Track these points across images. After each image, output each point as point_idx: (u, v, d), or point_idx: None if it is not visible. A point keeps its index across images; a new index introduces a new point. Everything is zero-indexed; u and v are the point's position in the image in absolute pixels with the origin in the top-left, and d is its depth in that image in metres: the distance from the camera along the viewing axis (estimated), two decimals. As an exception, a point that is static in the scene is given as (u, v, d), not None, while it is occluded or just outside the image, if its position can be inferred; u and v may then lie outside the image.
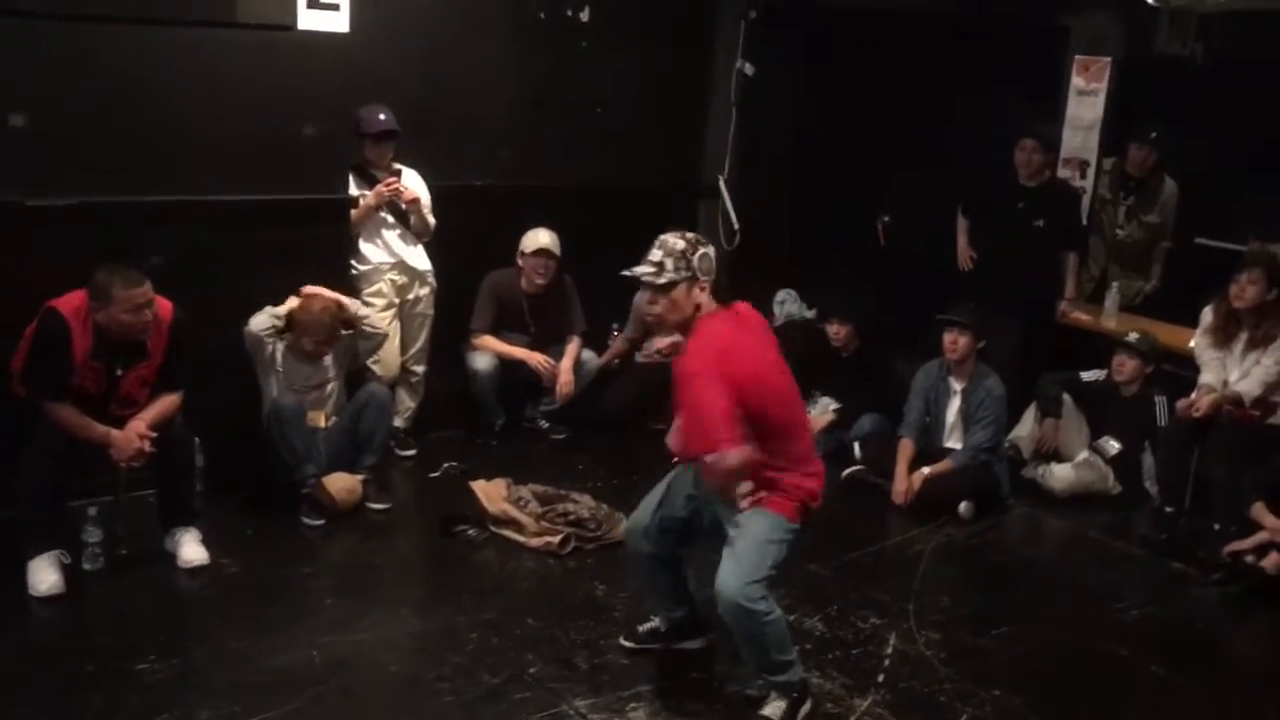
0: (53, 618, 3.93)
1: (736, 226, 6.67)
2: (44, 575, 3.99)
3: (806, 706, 3.49)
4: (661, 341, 6.14)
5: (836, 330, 5.96)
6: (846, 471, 5.62)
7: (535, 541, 4.61)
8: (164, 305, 4.20)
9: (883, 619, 4.20)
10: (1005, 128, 6.13)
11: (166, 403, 4.25)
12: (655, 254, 3.34)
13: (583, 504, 4.81)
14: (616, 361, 6.34)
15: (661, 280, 3.30)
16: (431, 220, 5.42)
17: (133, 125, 4.57)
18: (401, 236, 5.40)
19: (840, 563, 4.67)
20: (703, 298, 3.36)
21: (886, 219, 7.26)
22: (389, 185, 5.22)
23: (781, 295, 7.08)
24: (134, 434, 4.10)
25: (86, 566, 4.16)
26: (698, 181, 6.81)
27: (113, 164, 4.56)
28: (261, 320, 4.76)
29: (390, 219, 5.35)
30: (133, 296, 4.01)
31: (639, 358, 6.28)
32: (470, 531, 4.70)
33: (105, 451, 4.10)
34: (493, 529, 4.72)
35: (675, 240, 3.34)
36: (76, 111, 4.45)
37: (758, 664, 3.46)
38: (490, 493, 4.82)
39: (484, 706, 3.47)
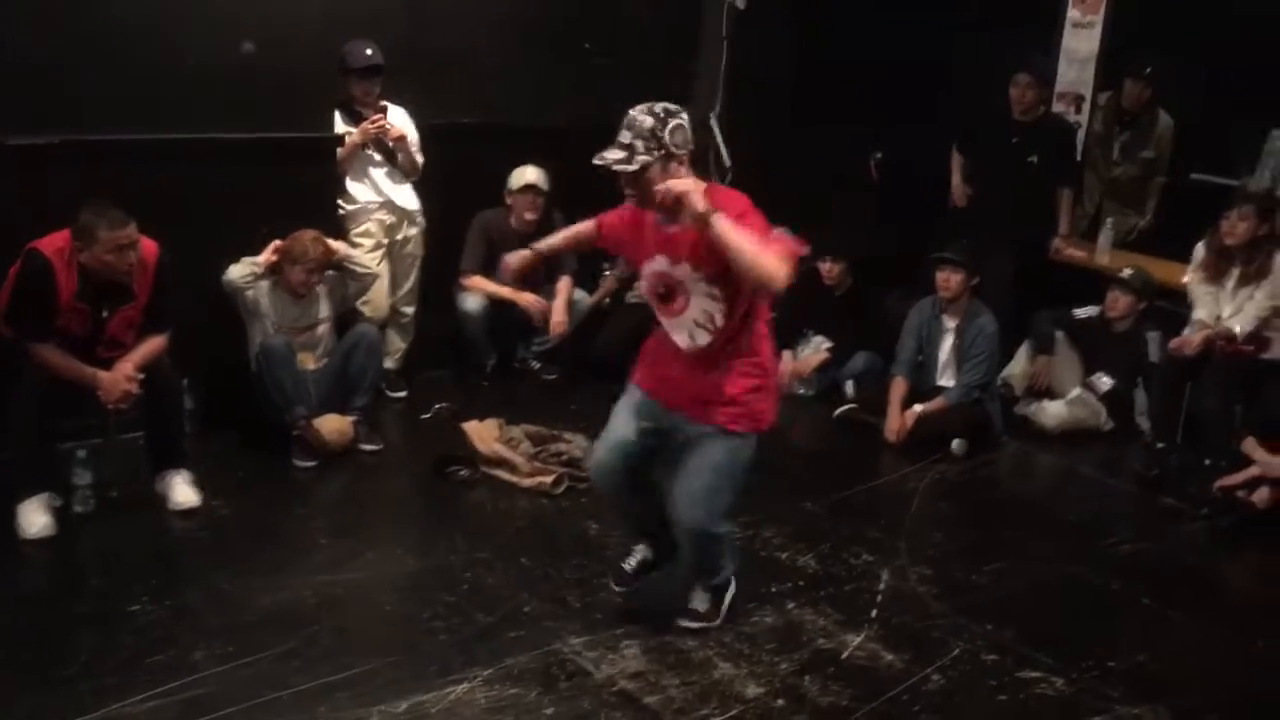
0: (44, 560, 3.92)
1: (729, 164, 6.60)
2: (34, 518, 3.98)
3: (731, 592, 3.64)
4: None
5: (829, 269, 5.93)
6: (839, 410, 5.62)
7: (528, 481, 4.61)
8: (149, 246, 4.14)
9: (875, 556, 4.21)
10: (1001, 62, 6.05)
11: (153, 344, 4.21)
12: (624, 135, 3.05)
13: (575, 443, 4.80)
14: (607, 301, 6.31)
15: (633, 166, 3.03)
16: (420, 158, 5.35)
17: (115, 62, 4.49)
18: (389, 175, 5.34)
19: (833, 500, 4.68)
20: (684, 171, 3.10)
21: (879, 156, 7.20)
22: (374, 122, 5.14)
23: (774, 233, 7.02)
24: (121, 375, 4.07)
25: (77, 509, 4.15)
26: (690, 117, 6.72)
27: (95, 101, 4.48)
28: (239, 269, 4.71)
29: (377, 157, 5.29)
30: (116, 237, 3.95)
31: (630, 298, 6.24)
32: (462, 472, 4.69)
33: (93, 394, 4.07)
34: (485, 469, 4.72)
35: (643, 117, 3.04)
36: (57, 48, 4.36)
37: (703, 569, 3.57)
38: (482, 433, 4.81)
39: (478, 645, 3.48)
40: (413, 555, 4.13)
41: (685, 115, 3.11)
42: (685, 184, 2.97)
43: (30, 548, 3.94)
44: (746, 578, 3.96)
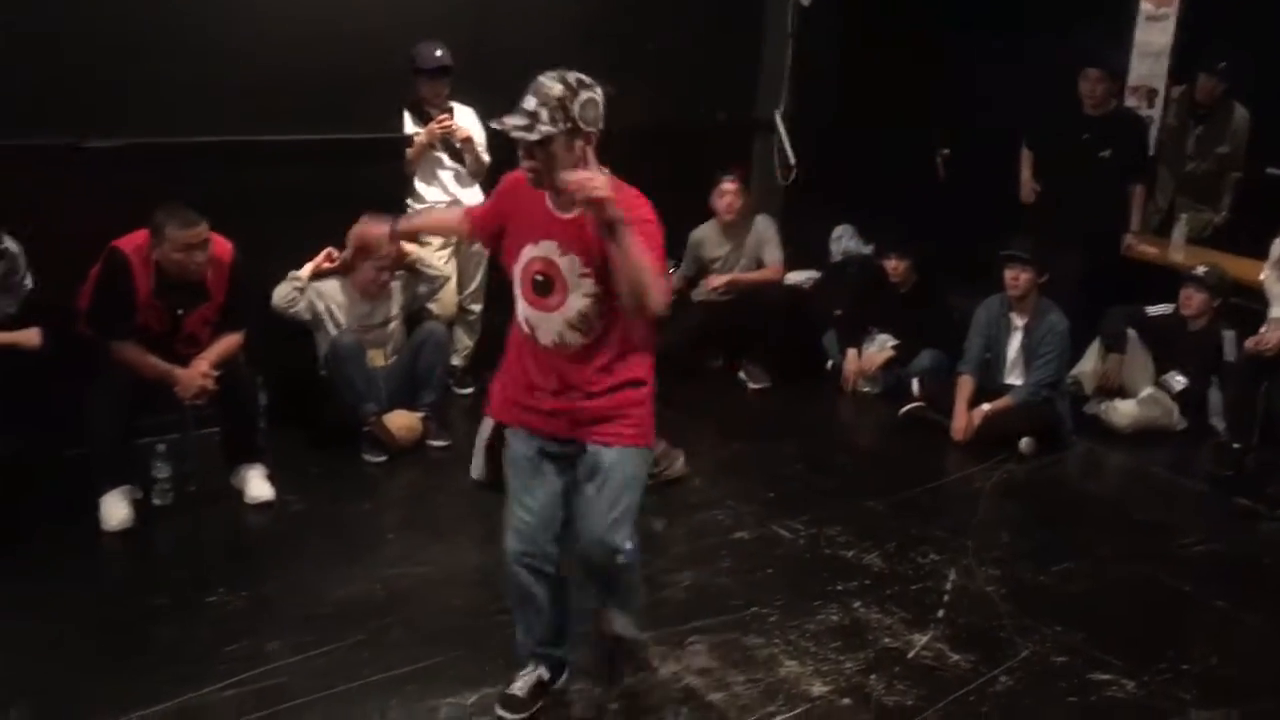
0: (124, 552, 4.04)
1: (793, 161, 6.59)
2: (115, 510, 4.09)
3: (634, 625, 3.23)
4: (717, 280, 6.12)
5: (895, 265, 5.89)
6: (904, 409, 5.58)
7: (593, 478, 4.63)
8: (224, 246, 4.24)
9: (941, 555, 4.18)
10: (1072, 56, 5.96)
11: (228, 342, 4.30)
12: (529, 102, 2.73)
13: (640, 441, 4.81)
14: (672, 299, 6.31)
15: (534, 136, 2.70)
16: (486, 158, 5.39)
17: (185, 66, 4.59)
18: (456, 176, 5.39)
19: (898, 499, 4.65)
20: (589, 153, 2.81)
21: (946, 152, 7.13)
22: (441, 123, 5.20)
23: (839, 231, 7.00)
24: (197, 372, 4.17)
25: (156, 502, 4.26)
26: (753, 116, 6.72)
27: (170, 105, 4.59)
28: (281, 291, 4.80)
29: (445, 158, 5.34)
30: (185, 237, 4.04)
31: (695, 296, 6.25)
32: (529, 468, 4.72)
33: (171, 389, 4.17)
34: (551, 466, 4.75)
35: (552, 84, 2.73)
36: (129, 53, 4.48)
37: (616, 601, 3.14)
38: (548, 430, 4.84)
39: (546, 639, 3.51)
40: (479, 550, 4.17)
41: (600, 90, 2.78)
42: (598, 182, 2.61)
43: (112, 539, 4.05)
44: (811, 575, 3.98)
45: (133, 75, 4.49)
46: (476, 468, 4.58)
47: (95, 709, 3.05)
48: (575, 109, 2.73)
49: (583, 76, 2.78)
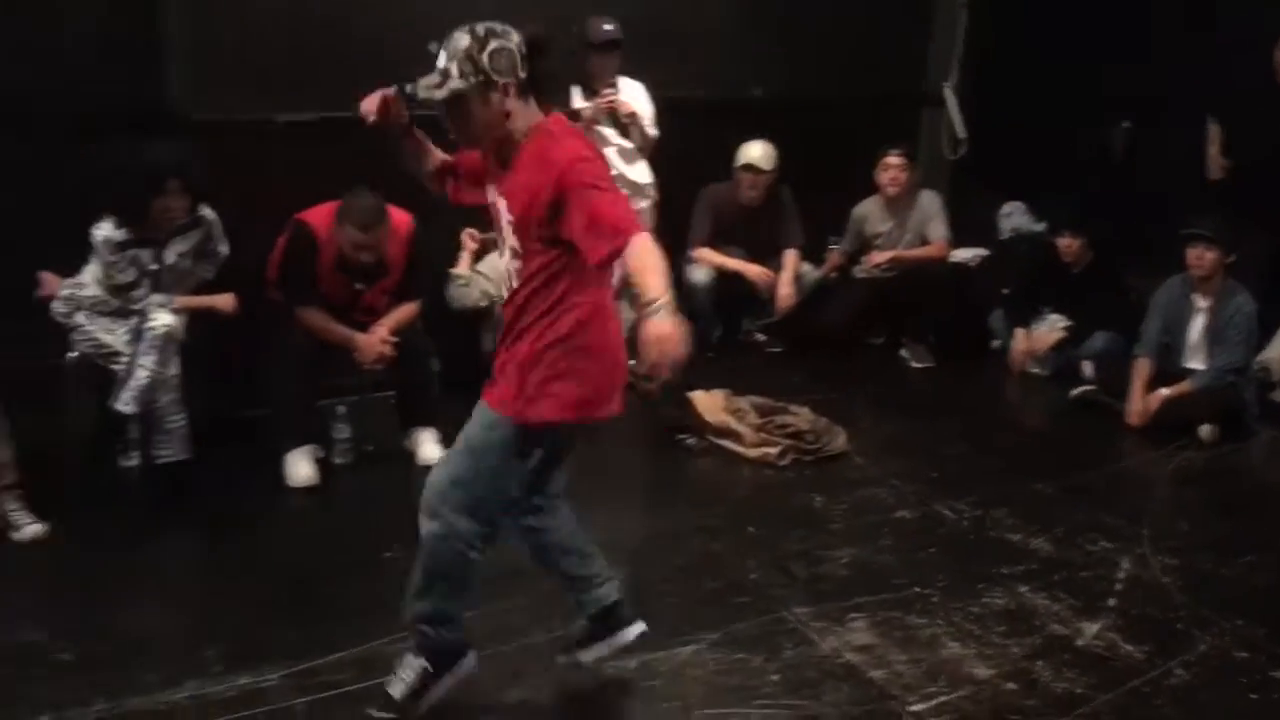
0: (307, 507, 4.25)
1: (963, 135, 6.43)
2: (299, 468, 4.30)
3: (441, 685, 2.90)
4: (880, 256, 6.04)
5: (1068, 244, 5.70)
6: (1075, 391, 5.43)
7: (753, 452, 4.65)
8: (403, 219, 4.39)
9: (1114, 542, 4.05)
10: (1265, 26, 5.64)
11: (406, 310, 4.47)
12: (440, 59, 2.63)
13: (801, 416, 4.81)
14: (834, 275, 6.27)
15: (442, 93, 2.60)
16: (653, 133, 5.40)
17: (372, 46, 4.75)
18: (622, 153, 5.42)
19: (1068, 483, 4.52)
20: (513, 104, 2.63)
21: (1126, 125, 6.84)
22: (605, 99, 5.23)
23: (1008, 208, 6.82)
24: (376, 338, 4.35)
25: (337, 461, 4.47)
26: (921, 88, 6.58)
27: (354, 82, 4.75)
28: (457, 295, 4.93)
29: (611, 134, 5.38)
30: (355, 238, 4.19)
31: (857, 272, 6.19)
32: (690, 440, 4.78)
33: (350, 354, 4.36)
34: (711, 439, 4.79)
35: (460, 36, 2.61)
36: (318, 30, 4.66)
37: (420, 589, 2.85)
38: (709, 403, 4.88)
39: (705, 609, 3.55)
40: (640, 519, 4.24)
41: (516, 38, 2.63)
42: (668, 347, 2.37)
43: (295, 495, 4.27)
44: (976, 557, 3.91)
45: (319, 53, 4.67)
46: None
47: (279, 654, 3.21)
48: (484, 60, 2.59)
49: (494, 25, 2.64)
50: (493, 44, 2.60)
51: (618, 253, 2.46)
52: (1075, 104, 6.35)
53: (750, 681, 3.19)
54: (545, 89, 2.71)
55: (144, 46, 4.68)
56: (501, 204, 2.73)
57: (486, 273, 5.02)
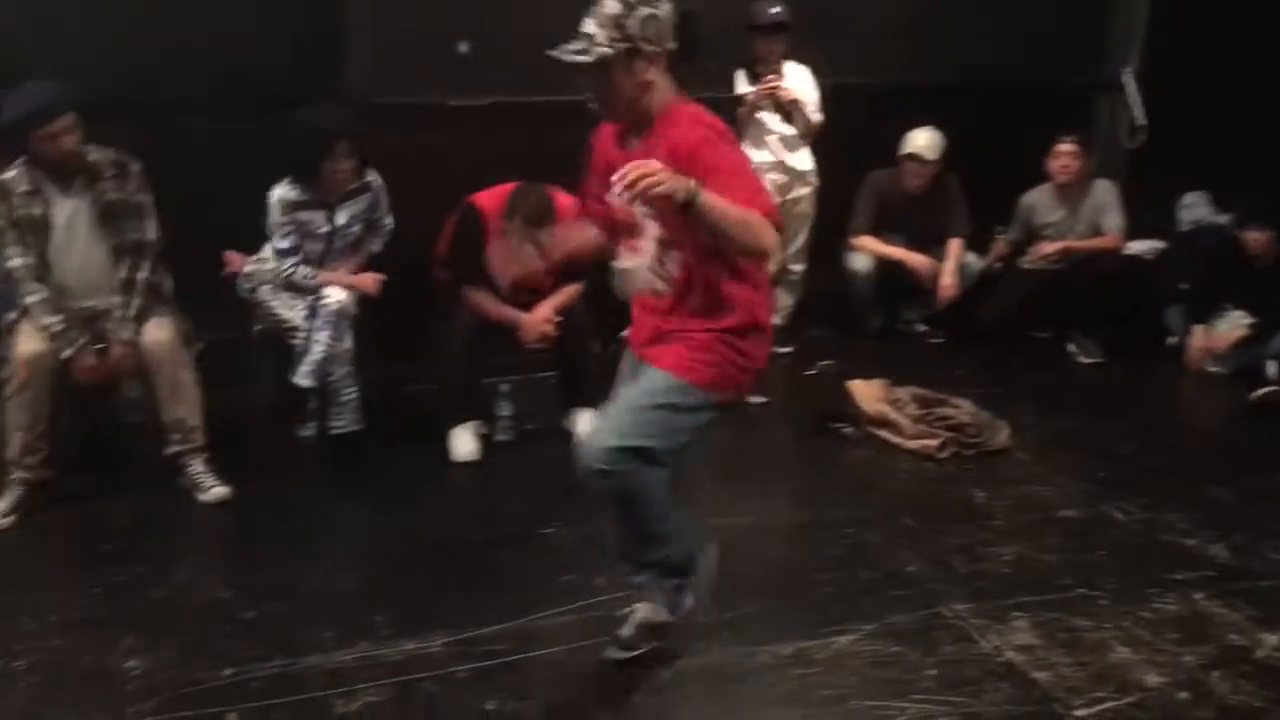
0: (471, 482, 4.38)
1: (1142, 123, 6.17)
2: (463, 443, 4.43)
3: (687, 602, 2.99)
4: (1049, 247, 5.85)
5: (1257, 238, 5.43)
6: (1258, 393, 5.15)
7: (912, 444, 4.58)
8: (568, 201, 4.44)
9: (1300, 552, 3.85)
10: None
11: (569, 291, 4.54)
12: (587, 24, 2.54)
13: (963, 409, 4.71)
14: (998, 265, 6.10)
15: (588, 58, 2.51)
16: (817, 118, 5.35)
17: (540, 35, 4.81)
18: (784, 140, 5.38)
19: (1248, 488, 4.30)
20: (654, 74, 2.56)
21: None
22: (767, 85, 5.19)
23: (1189, 198, 6.50)
24: (540, 318, 4.43)
25: (499, 438, 4.59)
26: (1098, 74, 6.34)
27: (520, 68, 4.85)
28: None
29: (773, 121, 5.34)
30: (521, 230, 4.20)
31: (1024, 263, 6.00)
32: (846, 429, 4.73)
33: (514, 334, 4.45)
34: (868, 428, 4.73)
35: (610, 2, 2.51)
36: (490, 18, 4.77)
37: (637, 540, 2.91)
38: (867, 393, 4.82)
39: (862, 599, 3.51)
40: (796, 506, 4.23)
41: (667, 7, 2.54)
42: (650, 170, 2.32)
43: (459, 470, 4.41)
44: (1147, 561, 3.76)
45: (491, 39, 4.78)
46: None
47: (443, 623, 3.30)
48: (633, 25, 2.50)
49: None
50: (643, 10, 2.53)
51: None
52: (1265, 89, 6.01)
53: (907, 675, 3.14)
54: (690, 63, 2.64)
55: (329, 34, 4.87)
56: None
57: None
